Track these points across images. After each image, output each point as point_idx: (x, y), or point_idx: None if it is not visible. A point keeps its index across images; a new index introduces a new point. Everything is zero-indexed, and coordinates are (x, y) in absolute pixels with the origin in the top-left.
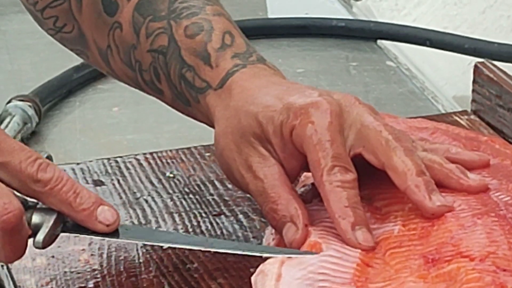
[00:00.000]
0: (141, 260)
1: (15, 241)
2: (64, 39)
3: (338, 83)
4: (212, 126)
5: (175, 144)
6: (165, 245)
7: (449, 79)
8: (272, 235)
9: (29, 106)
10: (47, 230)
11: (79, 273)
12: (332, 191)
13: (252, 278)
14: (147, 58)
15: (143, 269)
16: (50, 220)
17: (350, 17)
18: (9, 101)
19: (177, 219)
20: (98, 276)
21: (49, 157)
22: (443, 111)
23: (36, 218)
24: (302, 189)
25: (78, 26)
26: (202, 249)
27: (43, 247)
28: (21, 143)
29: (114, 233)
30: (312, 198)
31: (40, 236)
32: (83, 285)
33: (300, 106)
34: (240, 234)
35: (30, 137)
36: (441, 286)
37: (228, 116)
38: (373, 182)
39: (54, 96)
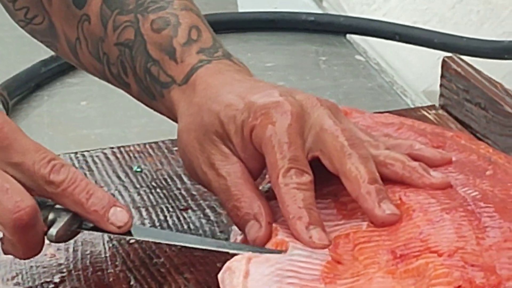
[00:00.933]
0: (107, 255)
1: (30, 238)
2: (35, 31)
3: (307, 78)
4: (176, 121)
5: (144, 138)
6: (179, 245)
7: (418, 73)
8: (239, 231)
9: None
10: (61, 224)
11: (45, 267)
12: (287, 193)
13: (219, 275)
14: (114, 51)
15: (109, 263)
16: (66, 216)
17: (320, 12)
18: None
19: (144, 213)
20: (64, 270)
21: None
22: (412, 106)
23: (52, 215)
24: (268, 186)
25: (48, 17)
26: (218, 249)
27: (56, 241)
28: (36, 143)
29: (128, 232)
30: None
31: (53, 230)
32: (48, 279)
33: (261, 106)
34: (207, 229)
35: None
36: (410, 281)
37: (191, 113)
38: (338, 177)
39: (22, 90)
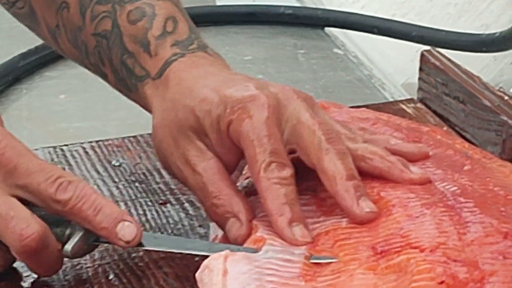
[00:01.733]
0: None
1: (44, 259)
2: (17, 14)
3: (286, 70)
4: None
5: (123, 132)
6: (189, 253)
7: (397, 66)
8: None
9: None
10: (75, 240)
11: (23, 266)
12: (269, 188)
13: (197, 274)
14: (91, 41)
15: (87, 258)
16: (80, 231)
17: (298, 5)
18: None
19: (123, 207)
20: None
21: None
22: (391, 99)
23: (69, 230)
24: (246, 182)
25: (29, 2)
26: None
27: (73, 257)
28: (42, 161)
29: (140, 243)
30: (256, 191)
31: (68, 246)
32: (26, 274)
33: (237, 100)
34: (186, 223)
35: None
36: (391, 277)
37: (165, 108)
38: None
39: (0, 84)
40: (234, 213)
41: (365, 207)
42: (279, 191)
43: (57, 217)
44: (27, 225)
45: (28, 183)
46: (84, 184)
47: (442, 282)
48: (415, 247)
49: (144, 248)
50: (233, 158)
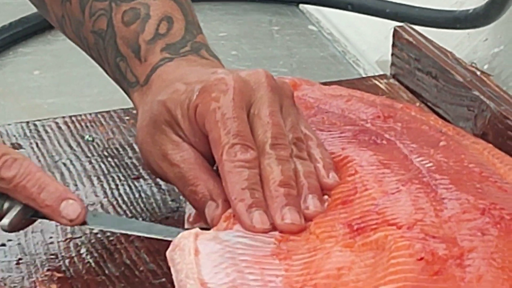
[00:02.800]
0: (57, 224)
1: None
2: (31, 2)
3: (260, 47)
4: None
5: (96, 108)
6: (133, 234)
7: (371, 43)
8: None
9: None
10: (14, 214)
11: None
12: (231, 171)
13: (168, 253)
14: (90, 38)
15: (59, 233)
16: (19, 206)
17: None
18: None
19: (95, 182)
20: (12, 237)
21: None
22: (364, 75)
23: (7, 204)
24: None
25: None
26: (170, 239)
27: (10, 231)
28: None
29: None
30: None
31: (5, 220)
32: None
33: (203, 85)
34: (158, 198)
35: None
36: (369, 254)
37: (145, 110)
38: None
39: None
40: (210, 195)
41: (287, 218)
42: (241, 175)
43: None
44: None
45: None
46: (29, 162)
47: (421, 259)
48: (392, 224)
49: (87, 226)
50: (206, 144)
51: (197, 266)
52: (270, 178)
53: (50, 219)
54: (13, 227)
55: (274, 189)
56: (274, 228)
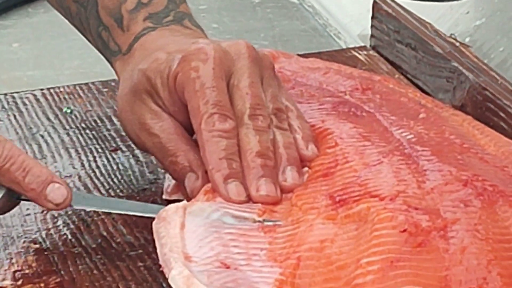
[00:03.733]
0: None
1: None
2: None
3: (241, 20)
4: None
5: (76, 80)
6: (117, 212)
7: (353, 16)
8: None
9: None
10: None
11: None
12: (209, 140)
13: (154, 225)
14: (73, 7)
15: (36, 205)
16: (3, 189)
17: None
18: None
19: (73, 154)
20: None
21: None
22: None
23: None
24: None
25: None
26: (152, 215)
27: None
28: None
29: None
30: None
31: None
32: None
33: (184, 55)
34: (136, 170)
35: None
36: (351, 226)
37: (125, 78)
38: None
39: None
40: (190, 167)
41: (262, 189)
42: (218, 144)
43: None
44: None
45: None
46: (12, 144)
47: (404, 231)
48: (374, 196)
49: (72, 208)
50: (185, 114)
51: (181, 240)
52: (247, 148)
53: (35, 203)
54: None
55: (251, 160)
56: (250, 199)
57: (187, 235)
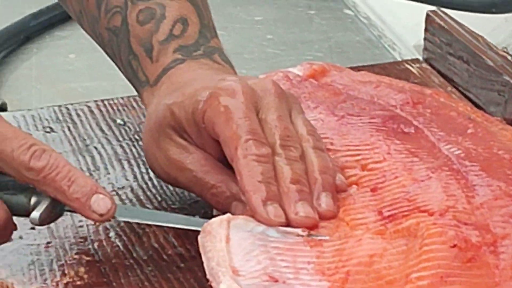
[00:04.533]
0: None
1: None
2: None
3: (295, 31)
4: None
5: (131, 91)
6: (161, 225)
7: (408, 27)
8: None
9: None
10: (43, 208)
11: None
12: (246, 165)
13: (199, 239)
14: (105, 35)
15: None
16: (48, 199)
17: None
18: None
19: (126, 165)
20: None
21: (4, 105)
22: (400, 59)
23: (34, 198)
24: None
25: None
26: (195, 228)
27: (40, 225)
28: (16, 128)
29: None
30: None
31: (35, 214)
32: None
33: (211, 91)
34: None
35: None
36: (401, 241)
37: (150, 113)
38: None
39: (11, 43)
40: (234, 196)
41: (301, 211)
42: (255, 168)
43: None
44: None
45: (1, 150)
46: (57, 154)
47: (454, 246)
48: (424, 211)
49: (116, 219)
50: (214, 149)
51: (228, 254)
52: (281, 176)
53: (79, 213)
54: (42, 221)
55: (286, 186)
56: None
57: (233, 248)
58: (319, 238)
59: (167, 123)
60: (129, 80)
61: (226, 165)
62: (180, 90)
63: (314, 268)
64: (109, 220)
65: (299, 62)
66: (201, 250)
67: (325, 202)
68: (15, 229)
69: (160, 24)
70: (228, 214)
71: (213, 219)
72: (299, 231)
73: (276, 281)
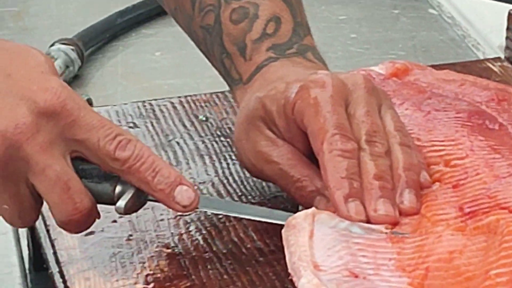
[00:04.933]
0: None
1: (83, 226)
2: None
3: (380, 30)
4: None
5: (216, 89)
6: (244, 217)
7: (493, 26)
8: None
9: (72, 49)
10: (129, 197)
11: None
12: (331, 160)
13: (283, 232)
14: (199, 33)
15: (170, 210)
16: (133, 188)
17: None
18: (52, 45)
19: (207, 161)
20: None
21: (89, 100)
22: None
23: (119, 187)
24: None
25: None
26: (278, 222)
27: (125, 213)
28: (102, 117)
29: None
30: None
31: (121, 203)
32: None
33: (302, 84)
34: None
35: (72, 80)
36: (481, 238)
37: (243, 107)
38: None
39: (97, 40)
40: (318, 191)
41: (380, 209)
42: (340, 164)
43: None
44: (80, 200)
45: (87, 139)
46: (142, 144)
47: None
48: (504, 208)
49: (198, 210)
50: (302, 143)
51: (310, 249)
52: (365, 171)
53: (162, 204)
54: (127, 210)
55: (368, 182)
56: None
57: (315, 243)
58: (402, 235)
59: (258, 115)
60: (222, 77)
61: (312, 160)
62: (272, 84)
63: (395, 265)
64: (192, 211)
65: (383, 61)
66: (284, 244)
67: (408, 199)
68: (99, 217)
69: (254, 23)
70: (313, 208)
71: (298, 213)
72: (382, 228)
73: (357, 276)
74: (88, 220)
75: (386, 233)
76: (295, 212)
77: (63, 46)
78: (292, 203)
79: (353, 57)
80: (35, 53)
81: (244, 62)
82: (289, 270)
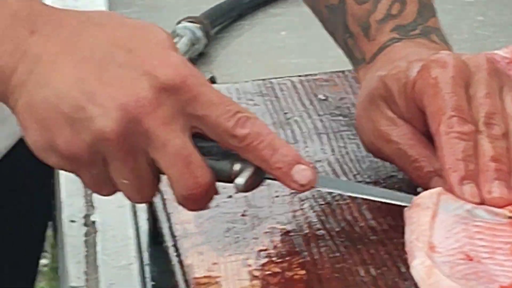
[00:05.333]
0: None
1: (202, 203)
2: None
3: (507, 13)
4: None
5: (338, 68)
6: (361, 197)
7: None
8: None
9: (198, 27)
10: (248, 174)
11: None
12: (448, 141)
13: (405, 211)
14: (324, 11)
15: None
16: (252, 166)
17: None
18: (179, 22)
19: (324, 140)
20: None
21: (213, 78)
22: None
23: (237, 166)
24: None
25: None
26: (400, 203)
27: (244, 191)
28: (222, 94)
29: None
30: None
31: (240, 180)
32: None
33: (423, 63)
34: None
35: (197, 58)
36: None
37: (364, 86)
38: None
39: (224, 19)
40: (436, 171)
41: (495, 192)
42: (457, 146)
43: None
44: (201, 175)
45: (207, 115)
46: (261, 122)
47: None
48: None
49: (315, 189)
50: (422, 123)
51: (430, 230)
52: (481, 153)
53: (280, 182)
54: (247, 187)
55: (485, 164)
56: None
57: (436, 224)
58: None
59: (379, 94)
60: (346, 56)
61: (431, 140)
62: (394, 64)
63: (511, 249)
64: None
65: (510, 44)
66: (405, 221)
67: (497, 190)
68: (217, 193)
69: (378, 4)
70: (440, 188)
71: (424, 192)
72: (506, 212)
73: (471, 259)
74: (207, 196)
75: (510, 217)
76: (410, 193)
77: (189, 24)
78: (407, 184)
79: (479, 39)
80: (156, 29)
81: (367, 42)
82: (406, 248)
